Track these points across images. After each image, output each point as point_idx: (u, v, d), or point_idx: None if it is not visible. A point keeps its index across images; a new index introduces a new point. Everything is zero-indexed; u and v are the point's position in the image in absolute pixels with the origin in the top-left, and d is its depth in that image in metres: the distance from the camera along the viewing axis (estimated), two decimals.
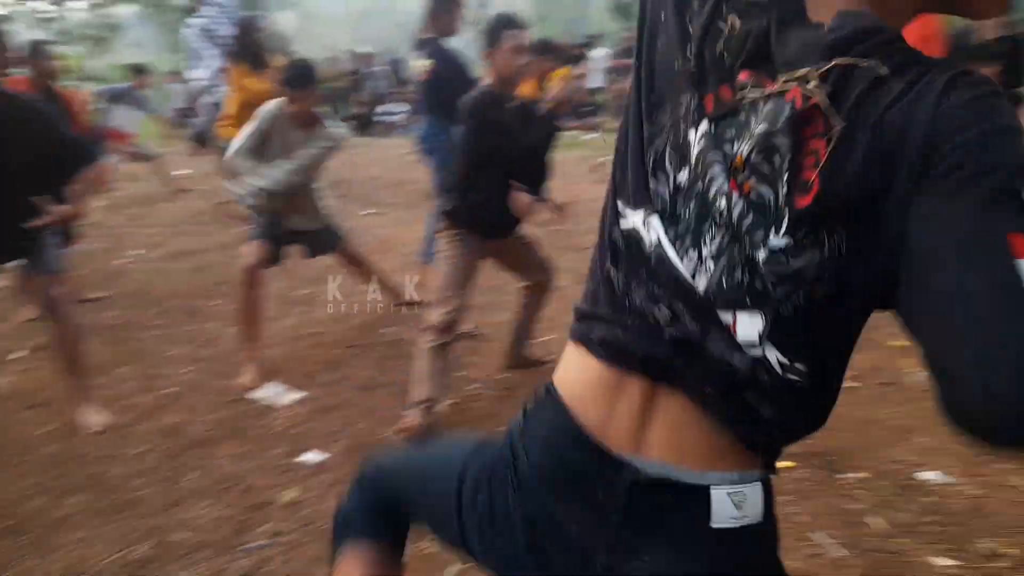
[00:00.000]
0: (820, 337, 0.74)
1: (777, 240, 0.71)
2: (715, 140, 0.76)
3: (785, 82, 0.70)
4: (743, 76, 0.75)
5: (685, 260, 0.77)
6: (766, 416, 0.76)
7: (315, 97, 3.37)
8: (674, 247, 0.78)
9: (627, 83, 0.89)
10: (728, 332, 0.75)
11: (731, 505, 0.77)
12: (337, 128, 3.57)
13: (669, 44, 0.82)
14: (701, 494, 0.77)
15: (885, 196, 0.65)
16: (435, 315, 2.84)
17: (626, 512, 0.80)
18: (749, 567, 0.80)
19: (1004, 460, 2.46)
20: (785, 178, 0.70)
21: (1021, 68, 4.90)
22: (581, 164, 9.44)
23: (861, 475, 2.42)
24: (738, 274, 0.74)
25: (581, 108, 13.29)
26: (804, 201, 0.69)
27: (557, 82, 6.32)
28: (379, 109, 14.22)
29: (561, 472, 0.84)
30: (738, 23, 0.75)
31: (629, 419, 0.81)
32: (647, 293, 0.80)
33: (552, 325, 3.87)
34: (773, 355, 0.73)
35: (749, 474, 0.79)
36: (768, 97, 0.72)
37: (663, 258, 0.79)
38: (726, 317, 0.75)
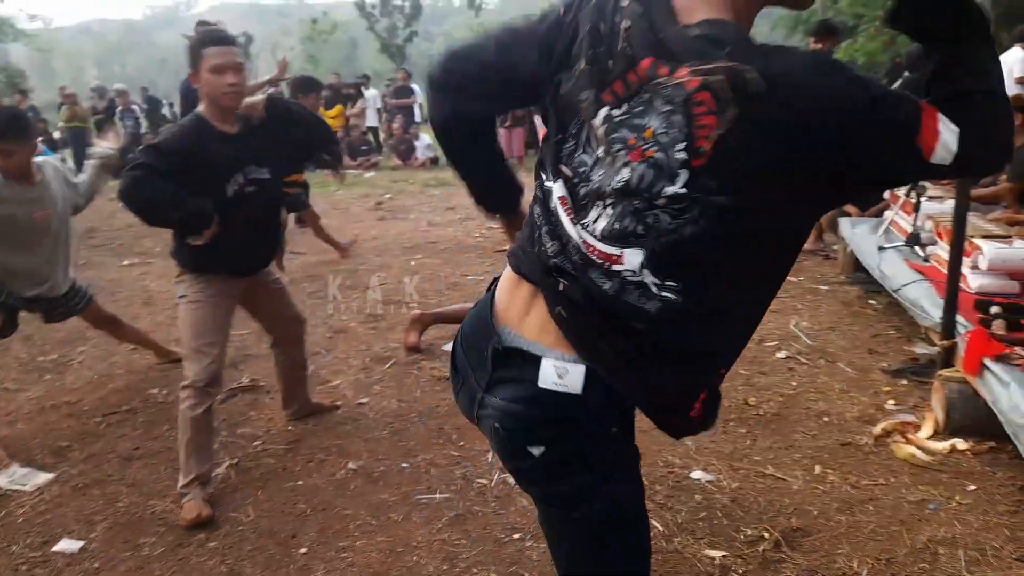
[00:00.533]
0: (691, 263, 1.01)
1: (673, 189, 0.97)
2: (623, 120, 1.01)
3: (692, 72, 0.93)
4: (645, 63, 0.98)
5: (582, 213, 1.07)
6: (639, 328, 1.04)
7: (30, 149, 2.95)
8: (571, 204, 1.09)
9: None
10: (606, 264, 1.04)
11: (554, 373, 1.07)
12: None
13: (568, 57, 1.08)
14: (536, 362, 1.09)
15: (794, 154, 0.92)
16: (195, 369, 2.52)
17: (493, 365, 1.14)
18: (559, 421, 1.09)
19: (756, 454, 2.78)
20: (683, 146, 0.95)
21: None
22: (364, 202, 9.36)
23: None
24: (627, 221, 1.02)
25: (360, 147, 13.23)
26: (699, 163, 0.94)
27: (333, 120, 6.23)
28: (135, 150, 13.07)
29: (472, 338, 1.23)
30: (629, 23, 1.00)
31: (518, 309, 1.15)
32: (547, 231, 1.12)
33: (342, 366, 3.77)
34: (649, 278, 1.02)
35: (574, 363, 1.07)
36: (670, 83, 0.95)
37: (558, 211, 1.10)
38: (613, 251, 1.03)
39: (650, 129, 0.97)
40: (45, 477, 2.78)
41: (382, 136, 14.82)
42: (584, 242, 1.06)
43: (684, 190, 0.96)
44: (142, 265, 6.36)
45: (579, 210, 1.08)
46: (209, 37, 2.47)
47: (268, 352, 4.00)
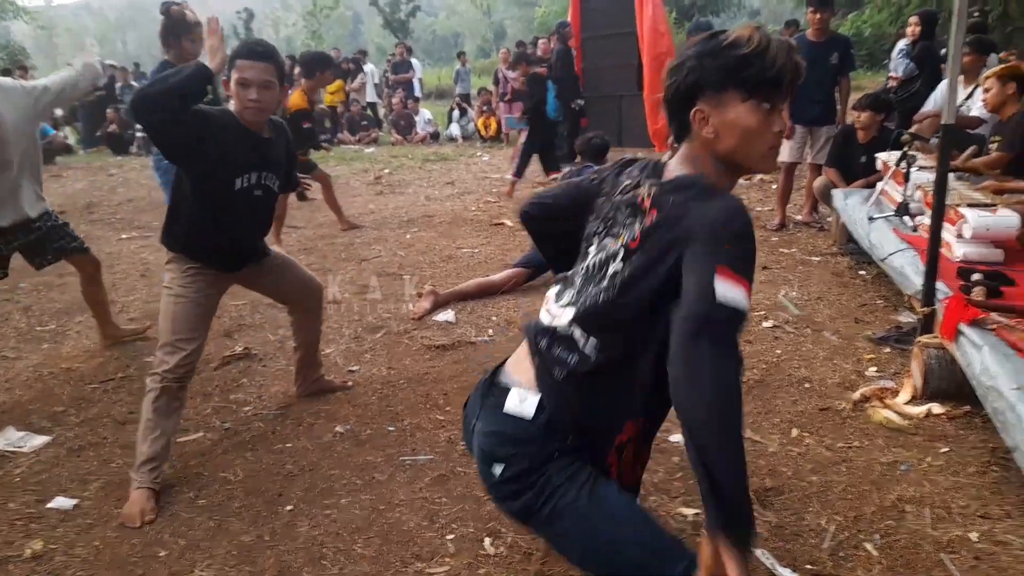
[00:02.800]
0: (610, 323, 1.36)
1: (615, 266, 1.36)
2: (602, 238, 1.45)
3: (645, 192, 1.38)
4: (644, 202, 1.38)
5: (563, 298, 1.46)
6: (572, 365, 1.38)
7: None
8: (556, 295, 1.49)
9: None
10: (557, 330, 1.42)
11: (517, 402, 1.40)
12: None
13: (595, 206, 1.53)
14: (507, 392, 1.42)
15: (670, 250, 1.28)
16: (169, 363, 2.48)
17: (483, 398, 1.48)
18: (515, 441, 1.39)
19: None
20: (626, 236, 1.37)
21: None
22: (363, 176, 9.39)
23: None
24: (585, 294, 1.40)
25: (359, 122, 13.21)
26: (633, 244, 1.34)
27: (333, 95, 6.28)
28: (137, 126, 13.09)
29: (481, 386, 1.54)
30: (629, 181, 1.46)
31: (515, 358, 1.51)
32: (544, 311, 1.51)
33: (334, 336, 3.83)
34: (578, 332, 1.39)
35: (534, 392, 1.40)
36: (631, 201, 1.40)
37: (551, 297, 1.51)
38: (566, 316, 1.42)
39: (622, 235, 1.38)
40: (42, 440, 2.85)
41: (382, 111, 14.77)
42: (547, 310, 1.50)
43: (620, 265, 1.36)
44: (140, 239, 6.41)
45: (558, 295, 1.50)
46: (243, 49, 2.48)
47: (261, 322, 4.09)
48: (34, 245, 3.36)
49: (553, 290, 1.53)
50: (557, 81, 9.54)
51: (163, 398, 2.47)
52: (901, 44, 6.51)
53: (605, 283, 1.36)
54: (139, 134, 12.46)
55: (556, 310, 1.46)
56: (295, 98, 5.65)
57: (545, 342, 1.43)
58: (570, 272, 1.52)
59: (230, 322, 4.11)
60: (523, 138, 7.99)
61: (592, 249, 1.46)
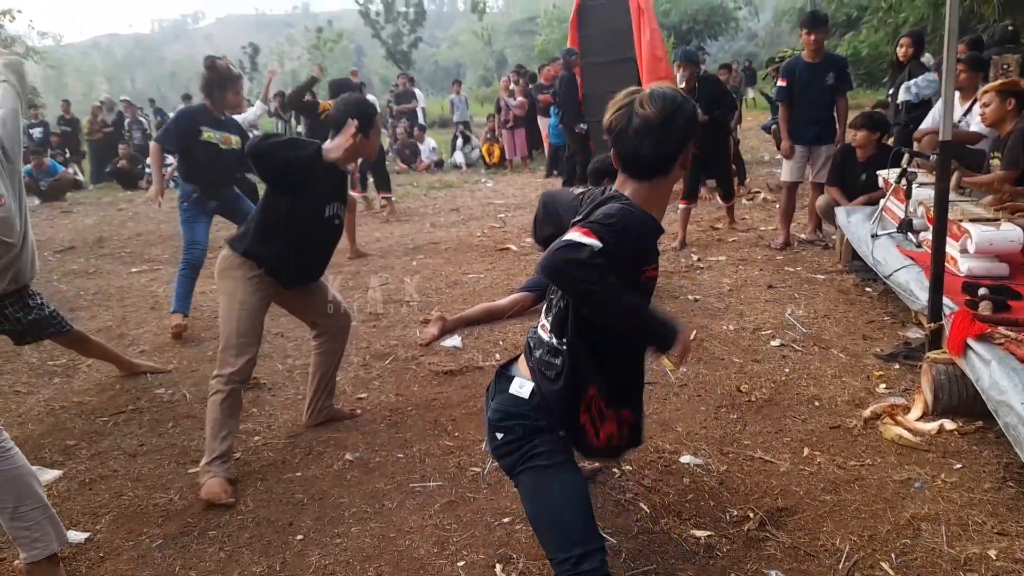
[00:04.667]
0: (566, 317, 1.77)
1: None
2: None
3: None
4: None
5: (549, 314, 1.87)
6: (557, 366, 1.81)
7: None
8: (544, 311, 1.92)
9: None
10: (543, 339, 1.87)
11: (517, 385, 1.85)
12: None
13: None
14: (512, 379, 1.88)
15: None
16: (235, 365, 2.65)
17: (497, 382, 1.95)
18: (512, 413, 1.83)
19: (746, 438, 2.82)
20: None
21: None
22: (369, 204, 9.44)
23: (627, 467, 2.65)
24: (553, 304, 1.86)
25: None
26: None
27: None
28: (148, 161, 13.25)
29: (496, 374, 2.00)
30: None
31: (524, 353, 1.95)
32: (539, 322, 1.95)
33: (342, 363, 3.83)
34: (554, 339, 1.82)
35: (529, 381, 1.85)
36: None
37: (542, 313, 1.95)
38: (547, 327, 1.87)
39: None
40: (54, 474, 2.86)
41: (386, 142, 14.91)
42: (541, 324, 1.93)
43: None
44: (150, 272, 6.47)
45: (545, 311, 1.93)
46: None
47: (270, 352, 4.10)
48: (16, 332, 3.24)
49: (543, 306, 1.93)
50: (561, 107, 9.65)
51: (229, 399, 2.66)
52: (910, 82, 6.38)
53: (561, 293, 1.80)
54: (169, 168, 12.65)
55: (543, 321, 1.89)
56: (325, 104, 5.88)
57: (539, 352, 1.85)
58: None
59: None
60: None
61: None
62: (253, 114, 5.90)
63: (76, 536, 2.42)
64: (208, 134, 4.33)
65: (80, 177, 14.22)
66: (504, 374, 1.93)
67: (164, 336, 4.52)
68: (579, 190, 1.99)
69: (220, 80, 4.31)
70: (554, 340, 1.81)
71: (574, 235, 1.56)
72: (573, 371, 1.77)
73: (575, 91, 9.67)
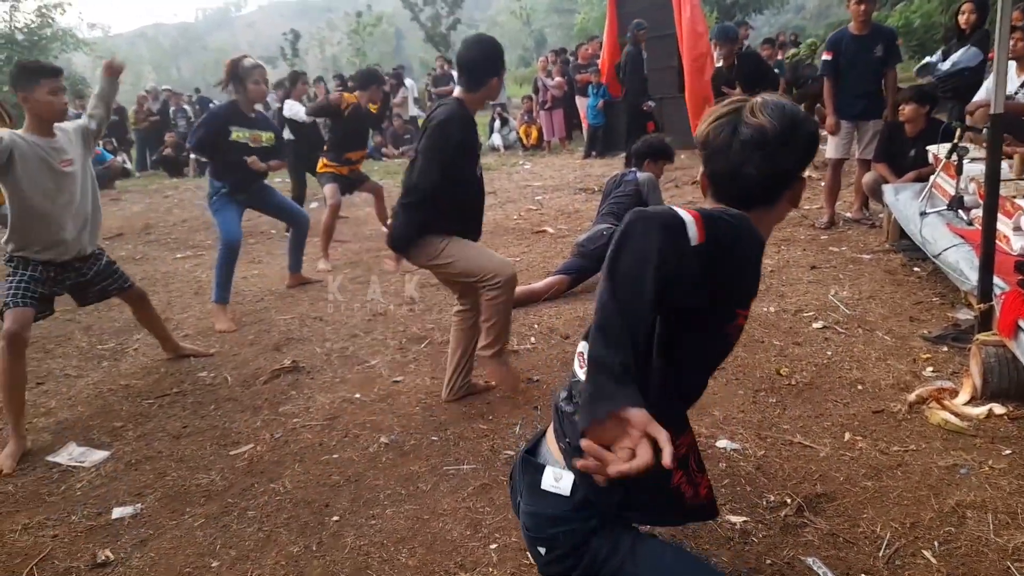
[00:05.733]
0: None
1: None
2: None
3: None
4: None
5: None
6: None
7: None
8: (584, 343, 1.39)
9: None
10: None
11: (552, 479, 1.38)
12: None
13: None
14: (542, 469, 1.40)
15: None
16: (502, 274, 2.92)
17: (523, 473, 1.46)
18: (551, 517, 1.38)
19: (785, 423, 2.77)
20: None
21: None
22: None
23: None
24: None
25: (403, 136, 13.38)
26: None
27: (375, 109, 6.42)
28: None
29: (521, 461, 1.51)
30: None
31: (553, 432, 1.47)
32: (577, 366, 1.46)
33: (379, 347, 3.87)
34: None
35: (567, 471, 1.37)
36: None
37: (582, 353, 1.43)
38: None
39: None
40: (101, 455, 2.96)
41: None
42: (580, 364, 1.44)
43: None
44: (194, 257, 6.61)
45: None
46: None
47: (309, 336, 4.16)
48: (82, 286, 3.45)
49: (582, 347, 1.43)
50: (626, 83, 9.45)
51: (505, 295, 2.96)
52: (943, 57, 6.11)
53: None
54: (192, 157, 12.88)
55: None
56: (349, 97, 5.83)
57: (571, 408, 1.39)
58: None
59: (279, 336, 4.20)
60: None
61: None
62: (297, 110, 6.74)
63: (123, 511, 2.50)
64: (237, 134, 4.37)
65: (128, 165, 14.58)
66: (531, 461, 1.45)
67: (207, 320, 4.62)
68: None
69: (237, 76, 4.35)
70: None
71: (682, 211, 1.12)
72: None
73: (641, 66, 9.48)
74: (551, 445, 1.45)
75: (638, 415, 0.98)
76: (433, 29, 30.91)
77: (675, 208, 1.12)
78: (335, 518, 2.39)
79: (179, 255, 6.76)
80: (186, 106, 15.06)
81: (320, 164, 5.85)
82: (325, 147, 5.88)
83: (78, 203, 3.25)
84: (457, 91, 2.93)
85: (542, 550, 1.40)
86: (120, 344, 4.34)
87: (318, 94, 12.14)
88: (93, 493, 2.68)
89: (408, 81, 14.62)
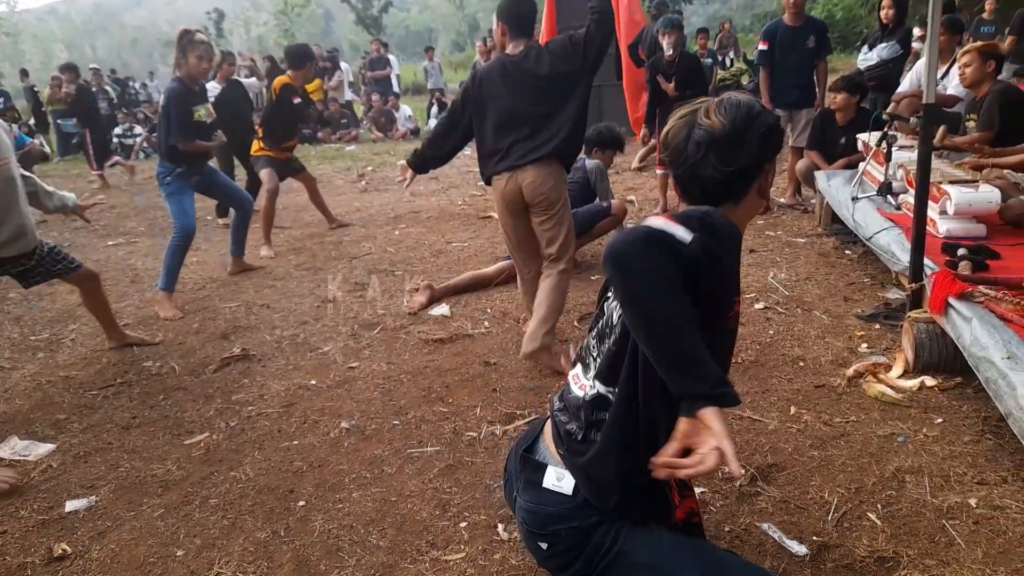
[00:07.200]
0: (618, 360, 1.34)
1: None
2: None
3: None
4: None
5: (585, 365, 1.45)
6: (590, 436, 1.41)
7: None
8: (580, 365, 1.48)
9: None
10: (584, 399, 1.43)
11: (554, 478, 1.44)
12: None
13: None
14: (544, 468, 1.46)
15: None
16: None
17: (522, 469, 1.52)
18: (555, 515, 1.42)
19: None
20: None
21: None
22: (347, 175, 9.36)
23: None
24: (600, 351, 1.40)
25: (339, 120, 13.14)
26: None
27: (313, 94, 6.29)
28: (116, 131, 12.95)
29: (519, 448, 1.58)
30: None
31: (551, 435, 1.52)
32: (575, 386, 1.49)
33: (331, 333, 3.83)
34: (601, 387, 1.40)
35: (568, 471, 1.42)
36: None
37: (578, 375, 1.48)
38: (591, 381, 1.43)
39: None
40: (46, 448, 2.85)
41: (362, 109, 14.71)
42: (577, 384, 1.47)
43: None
44: (127, 245, 6.37)
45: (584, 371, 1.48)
46: None
47: (256, 323, 4.09)
48: (25, 272, 3.35)
49: (577, 369, 1.48)
50: None
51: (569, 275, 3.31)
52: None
53: (619, 330, 1.34)
54: (127, 140, 12.36)
55: (582, 380, 1.45)
56: (281, 78, 5.68)
57: (572, 426, 1.43)
58: (583, 342, 1.50)
59: (225, 324, 4.11)
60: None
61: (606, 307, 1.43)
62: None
63: (77, 504, 2.43)
64: (197, 112, 4.31)
65: (47, 149, 13.84)
66: (530, 459, 1.50)
67: (147, 309, 4.48)
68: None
69: (183, 47, 4.25)
70: (599, 387, 1.39)
71: (655, 221, 1.18)
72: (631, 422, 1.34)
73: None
74: (550, 446, 1.49)
75: (722, 429, 1.10)
76: (364, 11, 30.36)
77: (646, 223, 1.18)
78: (301, 503, 2.39)
79: (111, 242, 6.50)
80: (107, 87, 14.38)
81: (255, 147, 5.72)
82: (258, 130, 5.74)
83: (18, 202, 3.14)
84: (516, 45, 3.32)
85: (543, 545, 1.44)
86: (55, 335, 4.17)
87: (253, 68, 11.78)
88: (43, 487, 2.59)
89: (344, 64, 14.36)
